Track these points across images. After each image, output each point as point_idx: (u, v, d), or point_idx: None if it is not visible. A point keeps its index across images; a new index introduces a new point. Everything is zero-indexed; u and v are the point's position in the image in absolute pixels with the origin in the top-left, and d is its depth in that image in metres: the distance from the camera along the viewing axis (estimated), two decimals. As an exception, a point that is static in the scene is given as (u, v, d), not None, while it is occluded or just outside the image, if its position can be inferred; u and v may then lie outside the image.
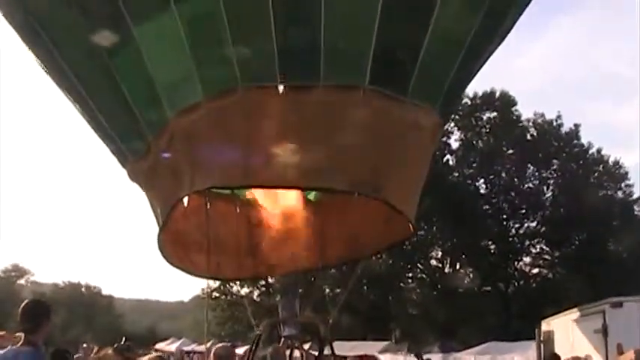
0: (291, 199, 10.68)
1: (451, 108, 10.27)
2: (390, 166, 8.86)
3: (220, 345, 7.10)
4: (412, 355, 36.63)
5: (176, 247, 10.93)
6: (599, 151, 57.64)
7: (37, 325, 5.10)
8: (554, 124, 57.06)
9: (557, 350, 14.96)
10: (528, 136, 57.09)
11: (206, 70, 8.57)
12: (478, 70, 10.45)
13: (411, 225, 9.85)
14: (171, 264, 11.13)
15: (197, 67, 8.52)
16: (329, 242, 11.36)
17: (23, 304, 5.24)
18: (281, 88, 8.35)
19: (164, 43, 8.73)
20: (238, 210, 11.25)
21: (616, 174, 57.14)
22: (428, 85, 9.03)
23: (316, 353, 11.24)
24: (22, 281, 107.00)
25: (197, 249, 10.86)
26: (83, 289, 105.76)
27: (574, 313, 13.50)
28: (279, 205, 10.78)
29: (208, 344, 37.79)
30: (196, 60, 8.50)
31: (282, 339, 10.64)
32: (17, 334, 5.26)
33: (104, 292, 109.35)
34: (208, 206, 9.99)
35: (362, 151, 8.60)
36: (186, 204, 9.73)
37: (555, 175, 57.15)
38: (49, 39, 9.48)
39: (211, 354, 6.75)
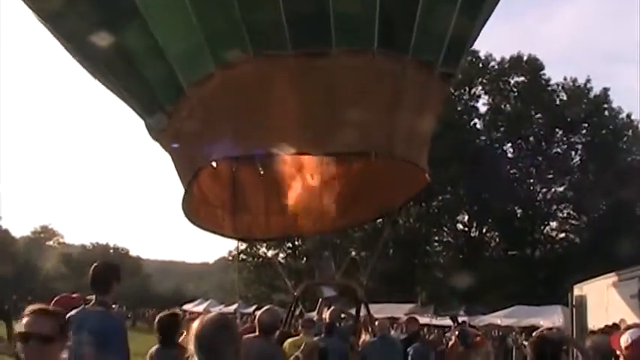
0: (314, 160, 10.75)
1: (456, 63, 10.22)
2: (402, 125, 8.93)
3: (264, 311, 7.06)
4: (439, 317, 36.91)
5: (204, 209, 11.04)
6: (628, 115, 57.09)
7: (108, 286, 5.23)
8: (584, 88, 56.50)
9: (590, 315, 14.94)
10: (557, 101, 56.52)
11: (216, 40, 8.58)
12: (481, 26, 10.41)
13: (426, 175, 10.00)
14: (199, 227, 11.27)
15: (207, 37, 8.52)
16: (353, 199, 11.44)
17: (93, 267, 5.35)
18: (293, 55, 8.38)
19: (171, 14, 8.73)
20: (262, 172, 11.33)
21: (646, 140, 56.45)
22: (429, 43, 9.08)
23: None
24: (50, 243, 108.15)
25: (224, 211, 10.98)
26: (111, 251, 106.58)
27: (608, 278, 13.48)
28: (304, 167, 10.86)
29: (235, 306, 38.14)
30: (205, 30, 8.50)
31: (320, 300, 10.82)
32: (89, 296, 5.38)
33: (132, 253, 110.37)
34: (234, 169, 10.09)
35: (375, 113, 8.67)
36: (214, 165, 9.84)
37: (584, 139, 56.60)
38: (66, 27, 9.60)
39: (256, 320, 6.72)
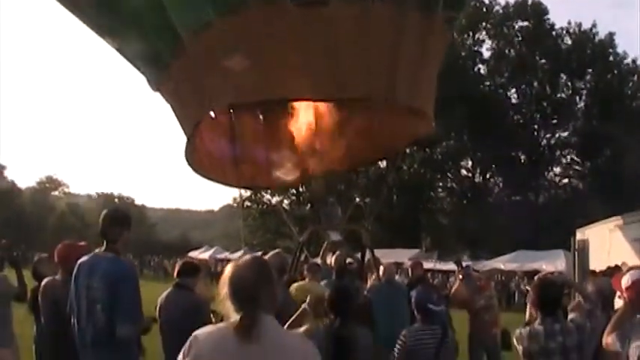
0: (315, 106, 10.75)
1: (458, 7, 10.18)
2: (404, 71, 8.92)
3: (273, 254, 7.17)
4: (443, 262, 37.21)
5: (206, 159, 11.08)
6: (634, 61, 56.77)
7: (118, 233, 5.31)
8: (589, 32, 56.09)
9: (593, 259, 15.07)
10: (562, 46, 56.14)
11: None
12: None
13: (431, 121, 10.04)
14: (203, 176, 11.33)
15: None
16: (356, 143, 11.46)
17: (104, 214, 5.42)
18: (292, 3, 8.33)
19: None
20: (263, 120, 11.34)
21: (652, 84, 56.20)
22: None
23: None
24: (56, 193, 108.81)
25: (227, 160, 11.03)
26: (116, 200, 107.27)
27: (611, 222, 13.58)
28: (305, 114, 10.87)
29: (240, 252, 38.38)
30: None
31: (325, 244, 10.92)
32: (97, 249, 5.47)
33: (137, 202, 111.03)
34: (233, 119, 10.10)
35: (376, 59, 8.65)
36: (213, 116, 9.86)
37: (589, 85, 56.38)
38: None
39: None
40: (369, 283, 10.10)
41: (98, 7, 9.63)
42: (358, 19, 8.60)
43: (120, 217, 5.53)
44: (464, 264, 11.75)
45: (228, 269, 2.96)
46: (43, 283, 6.44)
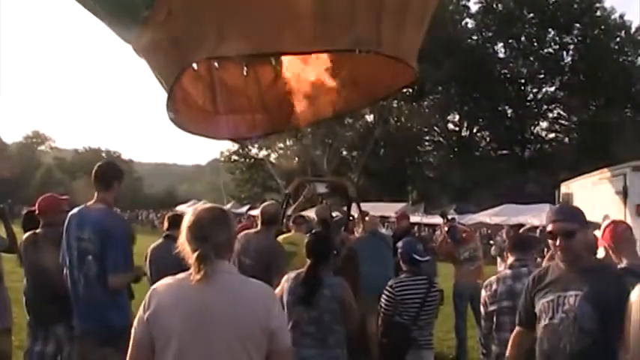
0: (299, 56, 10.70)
1: None
2: (389, 19, 8.87)
3: (268, 203, 7.28)
4: (430, 215, 37.47)
5: (189, 112, 11.03)
6: (621, 16, 56.95)
7: (109, 185, 5.38)
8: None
9: (577, 211, 15.20)
10: (550, 0, 55.98)
11: None
12: None
13: (413, 70, 10.05)
14: (186, 130, 11.32)
15: None
16: (340, 89, 11.45)
17: (96, 166, 5.49)
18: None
19: None
20: (246, 70, 11.28)
21: (638, 40, 56.25)
22: None
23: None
24: (42, 147, 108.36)
25: (210, 112, 11.00)
26: (103, 154, 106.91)
27: (594, 176, 13.66)
28: (289, 62, 10.82)
29: (228, 205, 38.59)
30: None
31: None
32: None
33: (124, 156, 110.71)
34: (217, 65, 10.04)
35: (362, 8, 8.60)
36: (195, 68, 9.80)
37: (576, 40, 56.35)
38: None
39: (259, 212, 6.93)
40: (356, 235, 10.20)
41: None
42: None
43: (111, 170, 5.61)
44: (449, 217, 11.91)
45: (188, 215, 3.07)
46: (24, 236, 6.52)
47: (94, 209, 5.31)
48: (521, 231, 10.99)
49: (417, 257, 6.09)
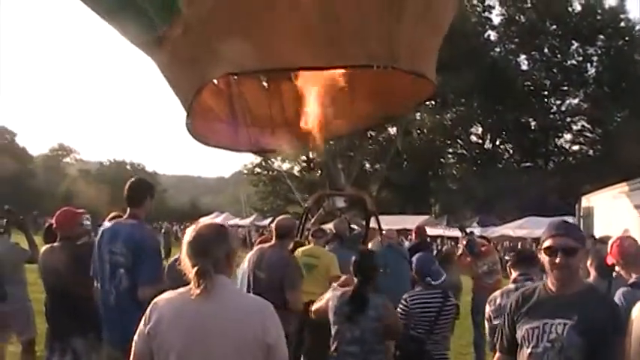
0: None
1: None
2: (406, 34, 8.88)
3: (282, 217, 7.33)
4: (452, 228, 37.34)
5: (209, 126, 11.10)
6: (646, 27, 56.24)
7: (140, 201, 5.63)
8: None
9: (597, 226, 15.10)
10: (572, 11, 55.71)
11: None
12: None
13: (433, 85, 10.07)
14: (207, 144, 11.40)
15: None
16: (360, 103, 11.46)
17: (129, 182, 5.77)
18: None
19: None
20: (266, 84, 11.35)
21: (662, 50, 55.76)
22: None
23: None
24: (68, 160, 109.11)
25: (230, 125, 11.07)
26: (128, 167, 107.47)
27: (615, 189, 13.63)
28: (308, 76, 10.86)
29: (251, 218, 38.64)
30: None
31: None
32: (113, 213, 5.69)
33: (148, 168, 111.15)
34: (235, 83, 10.10)
35: (376, 23, 8.60)
36: (215, 82, 9.87)
37: (600, 51, 56.00)
38: None
39: (273, 225, 6.98)
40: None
41: None
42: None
43: (143, 187, 5.86)
44: (468, 230, 11.92)
45: (188, 231, 3.19)
46: (42, 249, 6.64)
47: (125, 224, 5.53)
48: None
49: (430, 281, 6.12)
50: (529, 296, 3.70)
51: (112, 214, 7.29)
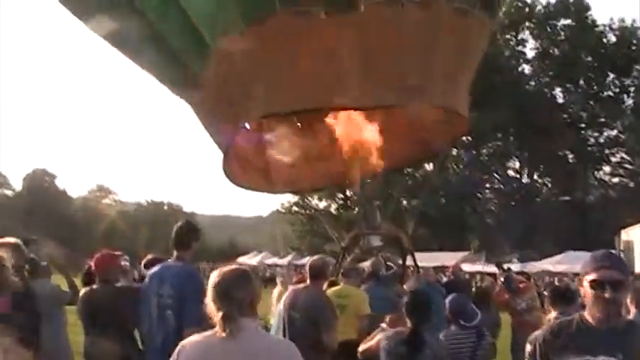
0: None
1: (493, 9, 10.10)
2: (439, 73, 8.93)
3: (317, 257, 7.37)
4: (491, 265, 37.02)
5: (245, 168, 11.20)
6: (682, 56, 55.72)
7: (188, 244, 5.84)
8: (631, 28, 55.39)
9: (638, 260, 14.87)
10: (606, 43, 55.44)
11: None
12: None
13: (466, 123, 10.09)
14: (244, 187, 11.49)
15: None
16: (395, 143, 11.49)
17: (177, 226, 5.97)
18: (322, 10, 8.36)
19: None
20: (300, 125, 11.43)
21: (700, 78, 55.23)
22: None
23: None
24: (106, 200, 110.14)
25: (268, 167, 11.17)
26: (165, 207, 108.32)
27: (655, 222, 13.45)
28: (341, 116, 10.93)
29: (289, 257, 38.62)
30: None
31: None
32: (150, 255, 5.87)
33: (185, 209, 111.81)
34: (270, 122, 10.21)
35: (410, 64, 8.66)
36: (247, 127, 9.96)
37: (636, 81, 55.55)
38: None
39: (307, 266, 7.01)
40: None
41: (125, 26, 9.78)
42: (390, 23, 8.62)
43: (191, 231, 6.00)
44: (505, 266, 11.84)
45: (212, 276, 3.29)
46: (81, 292, 6.75)
47: (172, 267, 5.77)
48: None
49: (464, 323, 6.10)
50: (565, 328, 3.50)
51: (149, 257, 7.43)
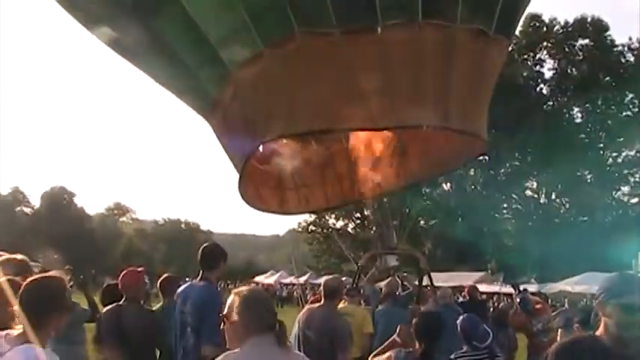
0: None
1: (510, 26, 10.12)
2: (456, 95, 8.96)
3: (331, 277, 7.44)
4: (508, 285, 36.88)
5: (261, 190, 11.25)
6: (701, 75, 55.43)
7: (214, 265, 6.07)
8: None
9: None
10: (625, 62, 55.27)
11: (260, 20, 8.58)
12: None
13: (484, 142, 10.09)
14: (260, 210, 11.54)
15: (250, 18, 8.53)
16: (411, 160, 11.51)
17: (203, 248, 6.20)
18: (339, 32, 8.44)
19: None
20: (314, 144, 11.46)
21: None
22: (478, 9, 9.03)
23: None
24: (124, 219, 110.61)
25: (282, 187, 11.22)
26: (182, 225, 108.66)
27: (674, 243, 13.40)
28: (357, 134, 10.97)
29: (306, 277, 38.72)
30: (249, 10, 8.51)
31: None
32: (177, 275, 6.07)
33: (202, 227, 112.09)
34: (285, 142, 10.27)
35: (429, 86, 8.69)
36: (262, 149, 10.02)
37: (655, 100, 55.34)
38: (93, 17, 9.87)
39: (321, 286, 7.07)
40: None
41: (145, 48, 9.89)
42: (409, 44, 8.65)
43: (217, 252, 6.24)
44: (522, 287, 11.84)
45: (236, 299, 3.41)
46: (106, 308, 6.82)
47: (196, 286, 6.00)
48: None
49: (476, 343, 6.11)
50: (584, 350, 3.45)
51: (165, 276, 7.55)
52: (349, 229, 59.70)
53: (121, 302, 6.71)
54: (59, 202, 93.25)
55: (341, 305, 8.34)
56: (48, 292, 3.56)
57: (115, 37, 10.10)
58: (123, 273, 6.89)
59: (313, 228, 63.80)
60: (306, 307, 7.17)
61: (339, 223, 60.54)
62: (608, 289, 3.53)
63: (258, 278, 60.79)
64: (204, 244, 6.26)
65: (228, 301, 3.43)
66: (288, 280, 56.48)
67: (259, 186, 11.16)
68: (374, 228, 49.00)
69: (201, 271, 6.02)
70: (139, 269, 7.12)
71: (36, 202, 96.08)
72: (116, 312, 6.67)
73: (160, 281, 7.77)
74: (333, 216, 57.32)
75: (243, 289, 3.50)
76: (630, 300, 3.32)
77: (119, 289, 6.83)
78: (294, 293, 46.20)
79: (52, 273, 3.92)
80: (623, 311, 3.35)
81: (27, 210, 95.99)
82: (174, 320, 5.99)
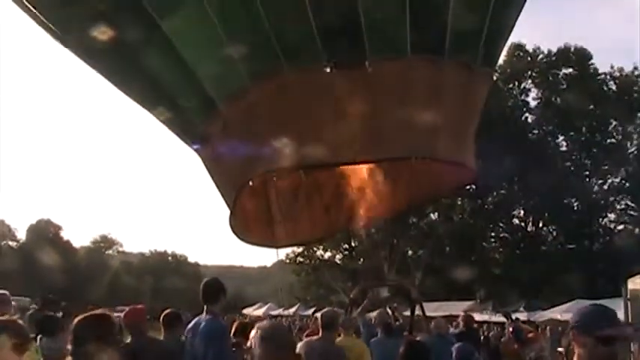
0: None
1: (492, 60, 10.27)
2: (444, 126, 9.07)
3: (327, 310, 7.52)
4: (498, 314, 36.84)
5: (248, 224, 11.28)
6: (685, 102, 56.01)
7: (216, 298, 6.48)
8: (632, 75, 56.01)
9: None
10: (608, 91, 55.87)
11: (248, 55, 8.66)
12: (515, 19, 10.29)
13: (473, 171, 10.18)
14: (249, 242, 11.57)
15: (238, 53, 8.63)
16: (400, 189, 11.56)
17: (204, 282, 6.70)
18: (327, 67, 8.53)
19: (197, 34, 8.83)
20: (303, 177, 11.50)
21: (703, 125, 55.42)
22: (464, 43, 9.15)
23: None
24: (110, 251, 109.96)
25: (269, 221, 11.25)
26: (169, 258, 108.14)
27: (662, 271, 13.40)
28: (342, 168, 11.01)
29: (294, 308, 38.60)
30: (236, 45, 8.59)
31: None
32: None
33: (190, 259, 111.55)
34: (273, 175, 10.34)
35: (417, 117, 8.80)
36: (251, 184, 10.06)
37: (639, 128, 55.80)
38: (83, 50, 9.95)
39: (319, 318, 7.16)
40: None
41: (137, 82, 9.95)
42: (397, 77, 8.77)
43: (217, 286, 6.67)
44: (513, 316, 11.86)
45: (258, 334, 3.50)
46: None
47: (203, 319, 6.39)
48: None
49: None
50: None
51: (168, 311, 7.69)
52: (337, 260, 59.52)
53: (128, 340, 6.79)
54: (45, 235, 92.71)
55: (340, 338, 8.35)
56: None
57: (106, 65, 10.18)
58: (125, 312, 7.06)
59: (301, 259, 63.55)
60: (305, 339, 7.21)
61: (327, 254, 60.37)
62: (582, 321, 3.62)
63: (246, 310, 60.38)
64: (205, 280, 6.69)
65: (251, 335, 3.59)
66: (276, 312, 56.16)
67: (249, 220, 11.19)
68: (361, 259, 49.00)
69: (205, 306, 6.39)
70: (139, 306, 7.30)
71: (22, 234, 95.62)
72: (125, 348, 6.69)
73: (162, 317, 7.85)
74: (321, 247, 57.14)
75: (264, 323, 3.62)
76: (604, 332, 3.39)
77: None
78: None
79: (99, 311, 3.99)
80: (597, 342, 3.41)
81: (12, 244, 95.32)
82: (185, 353, 6.32)
